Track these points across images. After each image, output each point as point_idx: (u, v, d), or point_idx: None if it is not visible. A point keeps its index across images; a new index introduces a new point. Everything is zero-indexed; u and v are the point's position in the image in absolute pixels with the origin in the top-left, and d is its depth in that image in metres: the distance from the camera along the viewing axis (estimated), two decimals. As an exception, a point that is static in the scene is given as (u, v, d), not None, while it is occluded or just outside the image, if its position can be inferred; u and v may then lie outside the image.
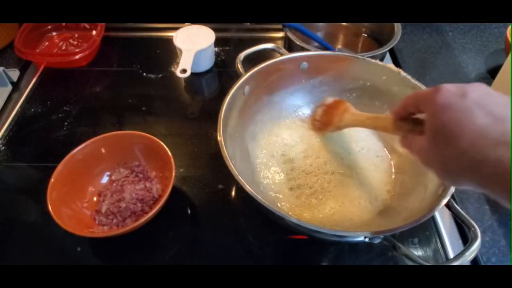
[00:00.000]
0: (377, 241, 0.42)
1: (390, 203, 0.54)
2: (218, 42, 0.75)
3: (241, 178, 0.43)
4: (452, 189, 0.43)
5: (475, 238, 0.41)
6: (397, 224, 0.42)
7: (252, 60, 0.58)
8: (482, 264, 0.50)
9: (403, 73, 0.56)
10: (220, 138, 0.47)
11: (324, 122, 0.56)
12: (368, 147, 0.60)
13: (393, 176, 0.57)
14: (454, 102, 0.31)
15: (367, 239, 0.42)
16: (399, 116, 0.39)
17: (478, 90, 0.31)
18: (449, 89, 0.31)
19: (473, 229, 0.42)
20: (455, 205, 0.44)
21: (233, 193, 0.58)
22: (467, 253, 0.40)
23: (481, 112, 0.29)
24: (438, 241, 0.53)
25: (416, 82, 0.54)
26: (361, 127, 0.50)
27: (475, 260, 0.51)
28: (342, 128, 0.54)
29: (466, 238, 0.53)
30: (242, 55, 0.60)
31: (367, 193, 0.55)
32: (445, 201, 0.43)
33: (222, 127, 0.49)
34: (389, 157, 0.59)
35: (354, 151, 0.60)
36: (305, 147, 0.60)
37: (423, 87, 0.53)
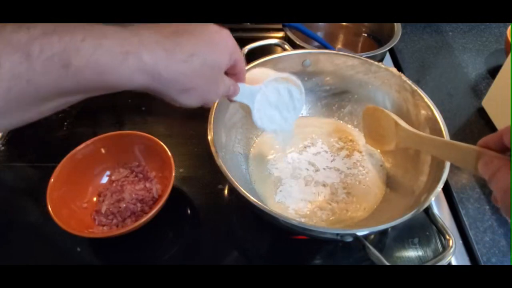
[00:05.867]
0: (349, 239, 0.42)
1: (382, 207, 0.54)
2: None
3: (231, 177, 0.43)
4: (432, 198, 0.43)
5: (448, 247, 0.40)
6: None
7: (255, 58, 0.58)
8: (482, 264, 0.50)
9: (404, 77, 0.56)
10: (210, 137, 0.47)
11: (377, 139, 0.55)
12: (366, 151, 0.61)
13: (386, 182, 0.57)
14: None
15: (339, 237, 0.42)
16: (487, 147, 0.32)
17: None
18: None
19: (447, 238, 0.41)
20: (434, 212, 0.44)
21: (232, 193, 0.58)
22: (435, 261, 0.40)
23: None
24: (438, 241, 0.52)
25: (416, 88, 0.54)
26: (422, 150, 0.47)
27: (475, 260, 0.51)
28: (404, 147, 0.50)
29: (466, 238, 0.53)
30: (246, 48, 0.60)
31: (361, 196, 0.55)
32: (421, 209, 0.42)
33: (215, 124, 0.49)
34: (382, 159, 0.59)
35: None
36: (303, 145, 0.60)
37: (422, 92, 0.53)
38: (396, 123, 0.49)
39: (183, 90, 0.31)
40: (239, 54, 0.36)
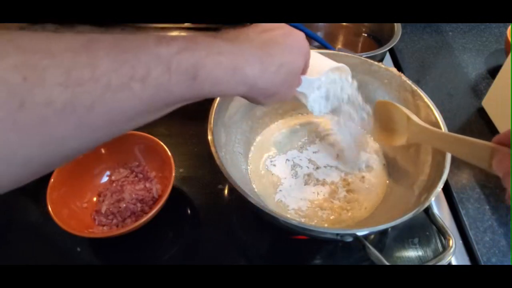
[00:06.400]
0: (349, 239, 0.43)
1: (382, 207, 0.54)
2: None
3: (231, 177, 0.44)
4: (432, 198, 0.43)
5: (448, 247, 0.40)
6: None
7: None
8: (482, 264, 0.50)
9: (404, 77, 0.56)
10: (210, 137, 0.47)
11: (387, 134, 0.53)
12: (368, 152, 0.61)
13: (387, 182, 0.57)
14: None
15: (339, 237, 0.42)
16: (501, 143, 0.32)
17: None
18: None
19: (447, 238, 0.41)
20: (434, 212, 0.44)
21: (232, 193, 0.58)
22: (435, 261, 0.40)
23: None
24: (438, 241, 0.52)
25: (416, 88, 0.54)
26: (435, 147, 0.46)
27: (475, 260, 0.51)
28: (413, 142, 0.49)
29: (466, 238, 0.53)
30: None
31: (361, 195, 0.55)
32: (421, 209, 0.42)
33: (215, 124, 0.49)
34: (383, 158, 0.59)
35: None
36: (302, 143, 0.60)
37: (422, 93, 0.53)
38: (408, 118, 0.48)
39: (270, 95, 0.36)
40: (310, 53, 0.40)
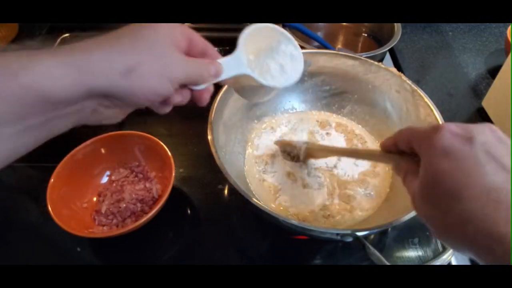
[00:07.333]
0: (349, 239, 0.43)
1: (382, 207, 0.53)
2: (218, 42, 0.75)
3: (232, 177, 0.44)
4: None
5: (447, 248, 0.41)
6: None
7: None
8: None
9: (404, 77, 0.56)
10: (210, 137, 0.47)
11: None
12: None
13: (388, 183, 0.57)
14: (457, 148, 0.25)
15: (339, 237, 0.42)
16: (388, 151, 0.34)
17: (486, 134, 0.25)
18: (452, 130, 0.25)
19: None
20: None
21: (232, 193, 0.58)
22: (434, 261, 0.40)
23: (492, 165, 0.23)
24: (438, 241, 0.52)
25: (416, 88, 0.54)
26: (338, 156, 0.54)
27: (475, 260, 0.51)
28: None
29: (466, 238, 0.53)
30: None
31: (361, 197, 0.54)
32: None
33: (215, 124, 0.49)
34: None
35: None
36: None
37: (422, 92, 0.53)
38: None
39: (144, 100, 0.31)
40: (187, 31, 0.34)
